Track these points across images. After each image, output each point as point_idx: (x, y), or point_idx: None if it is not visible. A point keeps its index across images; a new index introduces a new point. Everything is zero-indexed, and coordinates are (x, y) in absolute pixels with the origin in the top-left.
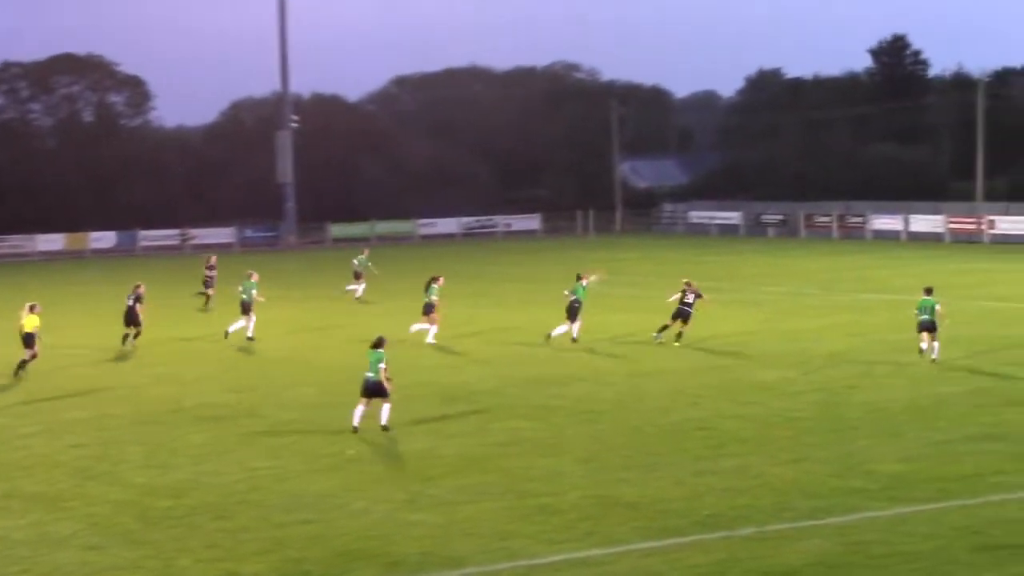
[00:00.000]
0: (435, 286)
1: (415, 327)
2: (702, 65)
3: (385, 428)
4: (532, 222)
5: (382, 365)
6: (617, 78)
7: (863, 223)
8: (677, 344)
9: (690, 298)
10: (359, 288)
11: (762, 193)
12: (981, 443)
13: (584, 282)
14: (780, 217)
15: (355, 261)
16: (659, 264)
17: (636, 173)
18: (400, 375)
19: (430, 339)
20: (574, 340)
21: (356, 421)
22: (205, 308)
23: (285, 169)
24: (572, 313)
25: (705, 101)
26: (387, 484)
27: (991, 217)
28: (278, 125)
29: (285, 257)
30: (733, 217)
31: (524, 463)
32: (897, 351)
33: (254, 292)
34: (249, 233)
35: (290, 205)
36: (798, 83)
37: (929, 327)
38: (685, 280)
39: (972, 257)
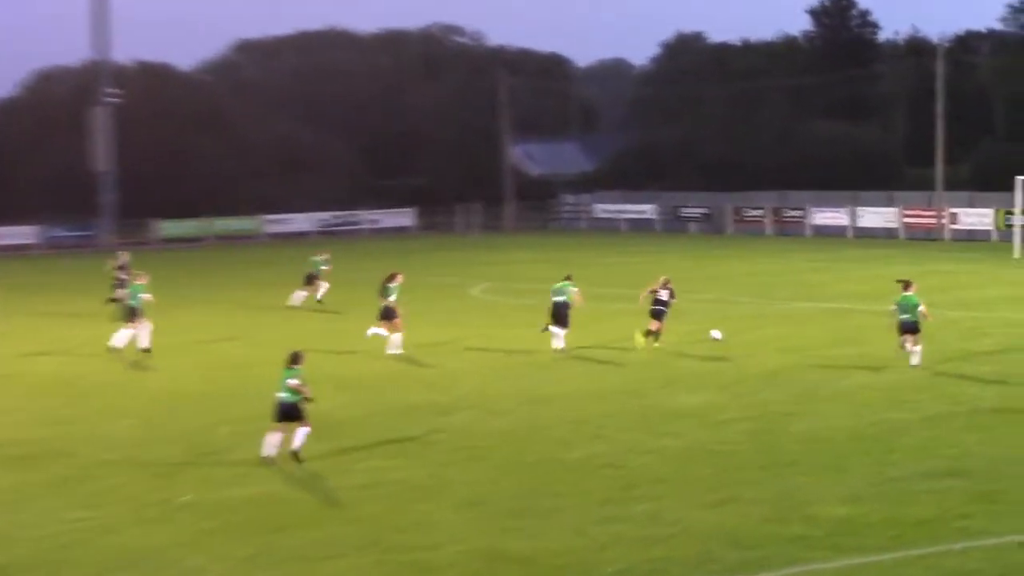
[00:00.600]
0: (392, 285)
1: (372, 331)
2: (609, 29)
3: (296, 456)
4: (404, 217)
5: (293, 381)
6: (507, 43)
7: (802, 217)
8: (657, 345)
9: (664, 295)
10: (301, 296)
11: (681, 182)
12: (941, 480)
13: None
14: (703, 210)
15: (315, 259)
16: (557, 267)
17: (530, 158)
18: (242, 403)
19: (392, 349)
20: (561, 349)
21: (268, 451)
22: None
23: (101, 154)
24: (561, 318)
25: (613, 71)
26: (227, 537)
27: (953, 209)
28: (93, 100)
29: (101, 261)
30: (647, 210)
31: (393, 510)
32: (842, 370)
33: (144, 296)
34: (57, 232)
35: (108, 198)
36: (723, 49)
37: (912, 328)
38: (664, 277)
39: (931, 257)
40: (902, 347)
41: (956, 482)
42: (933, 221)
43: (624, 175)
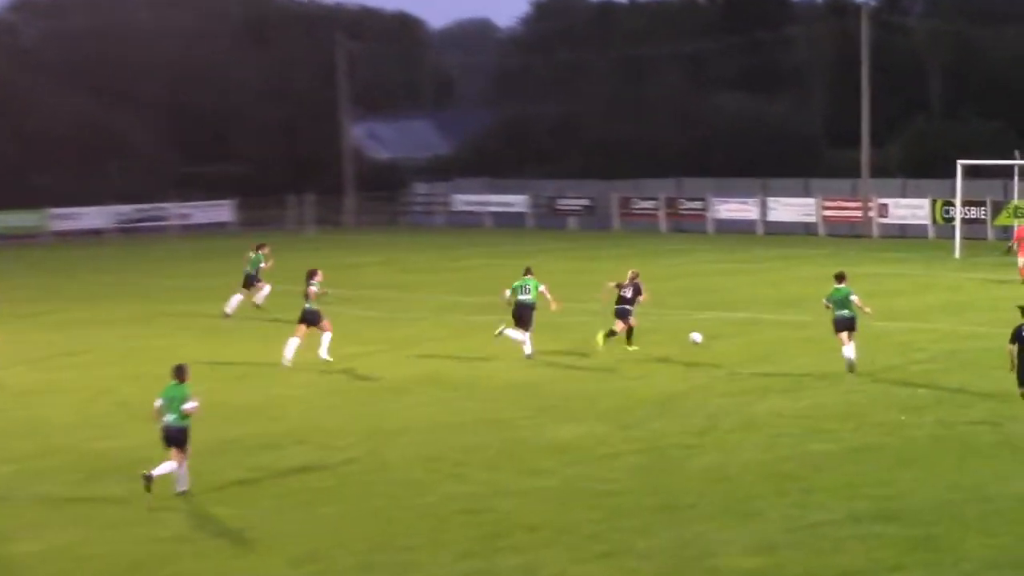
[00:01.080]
0: (315, 282)
1: (291, 344)
2: None
3: (182, 493)
4: (222, 211)
5: (189, 405)
6: (344, 1)
7: (703, 210)
8: (632, 348)
9: (628, 292)
10: (236, 302)
11: (559, 168)
12: (869, 524)
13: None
14: (584, 202)
15: (251, 255)
16: (408, 273)
17: (375, 139)
18: (19, 438)
19: (324, 353)
20: (530, 356)
21: (158, 476)
22: None
23: None
24: (524, 320)
25: (474, 35)
26: None
27: (882, 200)
28: None
29: None
30: (516, 202)
31: (211, 568)
32: (752, 393)
33: None
34: None
35: None
36: (607, 8)
37: (849, 325)
38: (633, 271)
39: (856, 257)
40: (844, 351)
41: (887, 527)
42: (858, 214)
43: (489, 160)
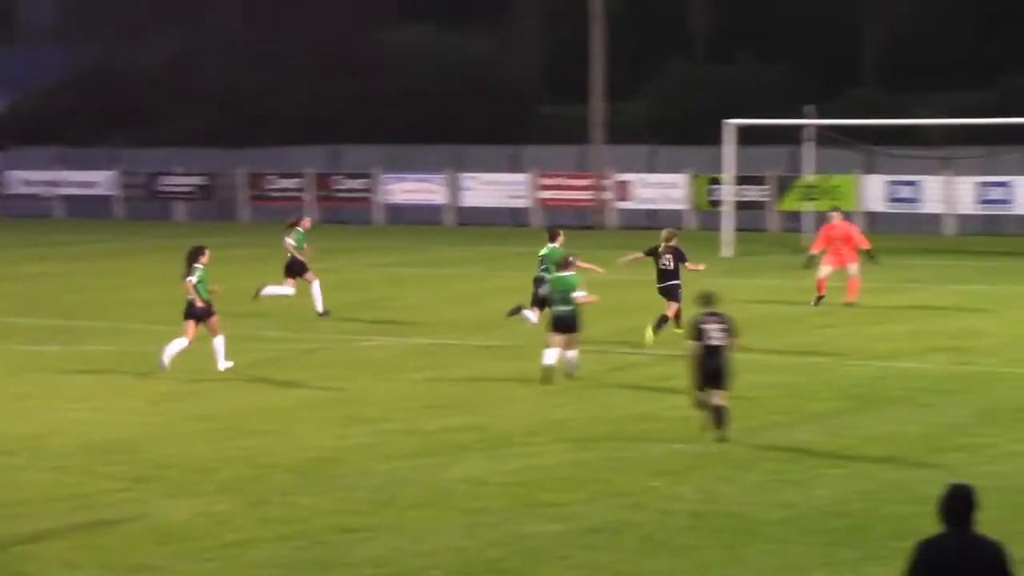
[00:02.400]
0: (198, 267)
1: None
2: None
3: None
4: None
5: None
6: None
7: (368, 190)
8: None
9: (668, 262)
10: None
11: (162, 133)
12: None
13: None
14: (198, 181)
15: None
16: None
17: None
18: None
19: (167, 355)
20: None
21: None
22: None
23: None
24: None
25: None
26: None
27: (622, 176)
28: None
29: None
30: (100, 182)
31: None
32: (438, 453)
33: None
34: None
35: None
36: None
37: (569, 324)
38: (667, 231)
39: (584, 256)
40: (545, 360)
41: None
42: (589, 196)
43: (61, 122)
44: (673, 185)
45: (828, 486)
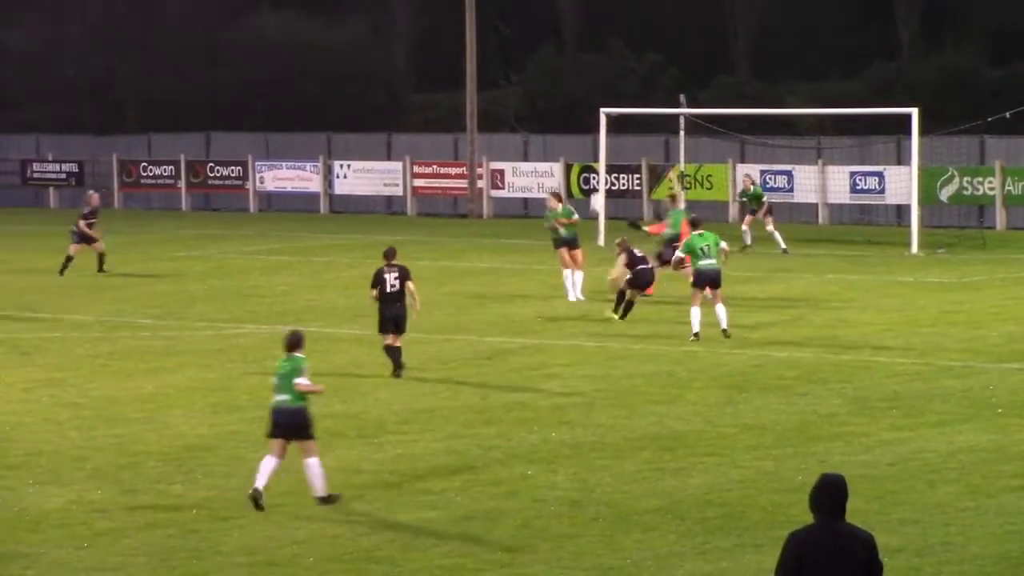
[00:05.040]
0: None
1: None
2: None
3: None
4: None
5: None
6: None
7: (241, 178)
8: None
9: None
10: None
11: (32, 117)
12: None
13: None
14: (70, 167)
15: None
16: None
17: None
18: None
19: None
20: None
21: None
22: None
23: None
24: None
25: None
26: None
27: (496, 165)
28: None
29: None
30: None
31: None
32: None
33: None
34: None
35: None
36: None
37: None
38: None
39: (459, 247)
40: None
41: None
42: (462, 185)
43: None
44: (547, 174)
45: (703, 475)
